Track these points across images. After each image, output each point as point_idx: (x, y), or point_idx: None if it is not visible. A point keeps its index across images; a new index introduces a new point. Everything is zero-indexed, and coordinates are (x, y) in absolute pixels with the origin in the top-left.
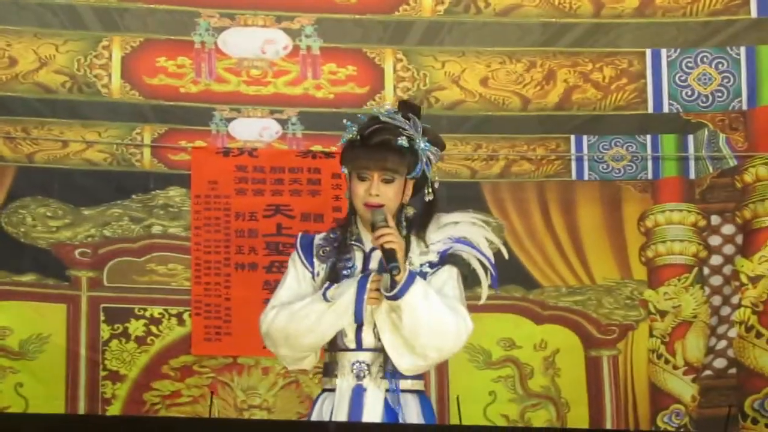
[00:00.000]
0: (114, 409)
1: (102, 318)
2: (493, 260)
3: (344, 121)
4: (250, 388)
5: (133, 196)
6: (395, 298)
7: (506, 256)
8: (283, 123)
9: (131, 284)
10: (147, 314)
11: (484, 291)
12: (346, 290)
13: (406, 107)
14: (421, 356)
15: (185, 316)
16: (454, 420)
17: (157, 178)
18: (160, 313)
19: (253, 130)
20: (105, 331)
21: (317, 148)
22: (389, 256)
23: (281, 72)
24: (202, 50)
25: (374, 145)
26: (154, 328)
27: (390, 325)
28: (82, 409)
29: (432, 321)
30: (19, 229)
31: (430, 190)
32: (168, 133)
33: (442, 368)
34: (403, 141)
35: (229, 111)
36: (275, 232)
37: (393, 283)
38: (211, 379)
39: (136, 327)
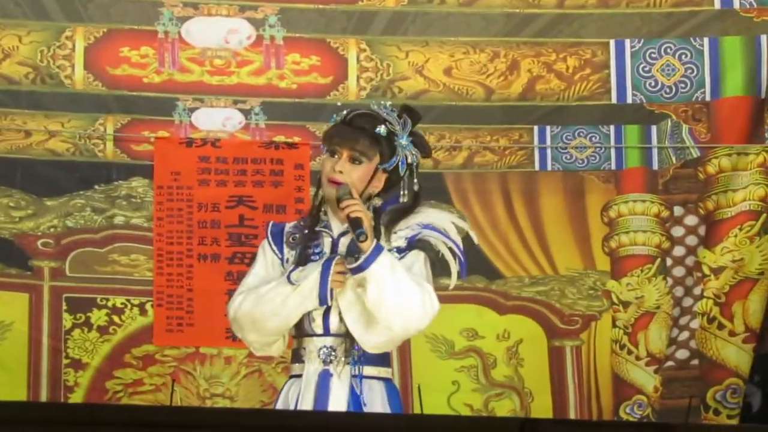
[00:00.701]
0: (76, 397)
1: (64, 307)
2: (461, 246)
3: (338, 104)
4: (213, 377)
5: (96, 187)
6: (361, 269)
7: (475, 240)
8: (246, 113)
9: (93, 274)
10: (109, 304)
11: (453, 276)
12: (311, 273)
13: (406, 110)
14: (385, 330)
15: (147, 306)
16: (416, 409)
17: (120, 168)
18: (122, 303)
19: (216, 120)
20: (67, 320)
21: (280, 138)
22: (355, 224)
23: (244, 62)
24: (165, 40)
25: (353, 126)
26: (116, 318)
27: (355, 302)
28: (44, 396)
29: (398, 292)
30: None
31: (405, 192)
32: (131, 124)
33: (404, 358)
34: (380, 129)
35: (192, 101)
36: (238, 223)
37: (359, 254)
38: (174, 368)
39: (98, 317)
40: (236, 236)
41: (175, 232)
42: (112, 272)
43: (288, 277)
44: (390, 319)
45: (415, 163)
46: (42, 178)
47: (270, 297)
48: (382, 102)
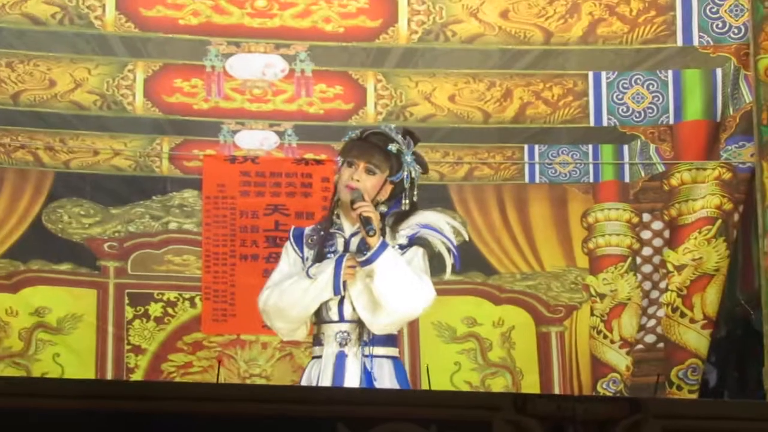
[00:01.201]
0: (136, 377)
1: (126, 301)
2: (455, 243)
3: (352, 124)
4: (252, 359)
5: (153, 198)
6: (369, 261)
7: (467, 238)
8: (280, 135)
9: (151, 273)
10: (164, 298)
11: (448, 269)
12: (326, 268)
13: (407, 132)
14: (389, 314)
15: (197, 300)
16: (424, 386)
17: (174, 181)
18: (175, 297)
19: (255, 140)
20: (129, 312)
21: (310, 156)
22: (366, 221)
23: (279, 91)
24: (212, 73)
25: (368, 142)
26: (170, 310)
27: (364, 291)
28: (109, 376)
29: (400, 281)
30: (57, 226)
31: (407, 201)
32: (183, 144)
33: (414, 342)
34: (392, 147)
35: (235, 124)
36: (273, 228)
37: (367, 250)
38: (218, 352)
39: (155, 309)
40: (272, 239)
41: (221, 235)
42: (167, 271)
43: (307, 272)
44: (393, 305)
45: (416, 177)
46: (108, 190)
47: (292, 290)
48: (389, 124)
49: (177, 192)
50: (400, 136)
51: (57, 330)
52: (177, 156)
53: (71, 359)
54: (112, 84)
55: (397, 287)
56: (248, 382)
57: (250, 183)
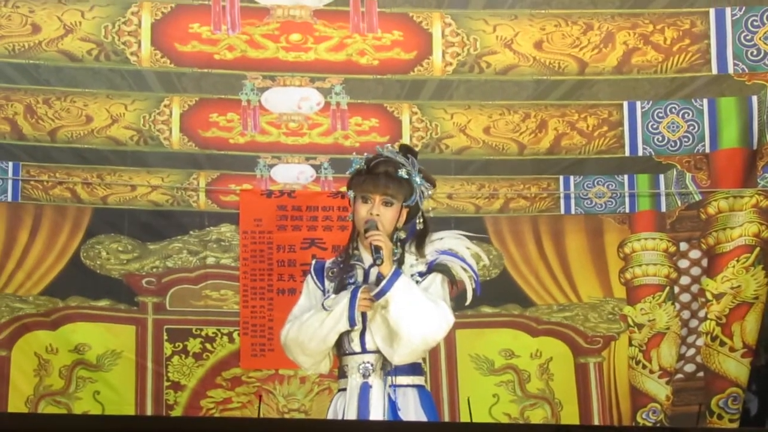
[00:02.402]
0: (176, 414)
1: (165, 337)
2: (475, 267)
3: (353, 154)
4: (290, 394)
5: (191, 233)
6: (383, 292)
7: (486, 261)
8: (316, 168)
9: (189, 308)
10: (203, 333)
11: (469, 294)
12: (342, 299)
13: (406, 149)
14: (407, 344)
15: (235, 335)
16: (464, 417)
17: (211, 216)
18: (213, 333)
19: (292, 174)
20: (168, 348)
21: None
22: (376, 250)
23: (315, 125)
24: (248, 107)
25: (378, 173)
26: (208, 346)
27: (381, 323)
28: (149, 413)
29: (415, 309)
30: (95, 262)
31: (422, 220)
32: (220, 178)
33: (452, 375)
34: (402, 173)
35: (271, 158)
36: (310, 262)
37: (380, 279)
38: (257, 387)
39: (193, 344)
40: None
41: (258, 270)
42: (205, 306)
43: (322, 304)
44: (410, 334)
45: (427, 195)
46: (145, 225)
47: (310, 323)
48: (388, 146)
49: (214, 227)
50: (402, 157)
51: (96, 367)
52: (214, 190)
53: (111, 397)
54: (149, 119)
55: (412, 315)
56: (287, 417)
57: (287, 217)
